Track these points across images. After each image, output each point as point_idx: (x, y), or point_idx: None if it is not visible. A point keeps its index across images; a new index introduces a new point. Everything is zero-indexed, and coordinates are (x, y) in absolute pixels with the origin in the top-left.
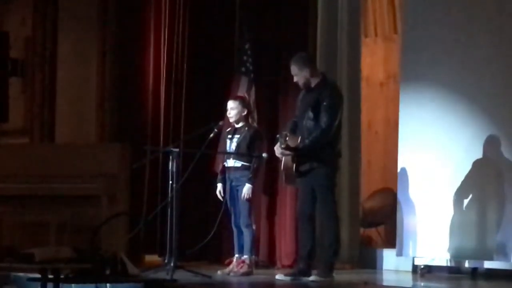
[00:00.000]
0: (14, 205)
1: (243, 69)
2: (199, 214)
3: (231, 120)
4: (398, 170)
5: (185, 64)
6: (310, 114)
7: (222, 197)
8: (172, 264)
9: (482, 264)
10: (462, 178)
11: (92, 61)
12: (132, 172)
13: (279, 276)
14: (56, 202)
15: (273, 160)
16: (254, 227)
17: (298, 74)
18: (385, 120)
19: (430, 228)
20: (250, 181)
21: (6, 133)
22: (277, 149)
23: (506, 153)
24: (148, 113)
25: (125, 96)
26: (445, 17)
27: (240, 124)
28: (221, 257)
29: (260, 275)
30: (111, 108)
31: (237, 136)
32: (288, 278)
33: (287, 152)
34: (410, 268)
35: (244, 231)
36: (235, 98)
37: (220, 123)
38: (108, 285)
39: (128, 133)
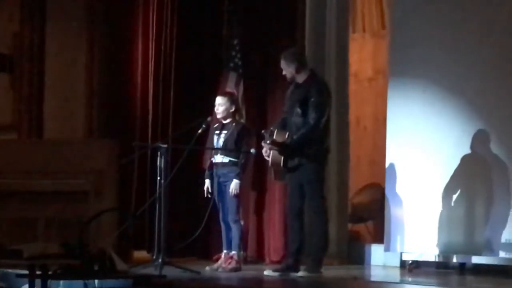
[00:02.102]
0: (1, 201)
1: (231, 64)
2: (187, 210)
3: (218, 116)
4: (387, 165)
5: (173, 60)
6: (298, 110)
7: (210, 193)
8: (160, 260)
9: (470, 259)
10: (450, 173)
11: (80, 57)
12: (121, 168)
13: (267, 272)
14: (44, 198)
15: (261, 156)
16: (242, 222)
17: (286, 69)
18: (374, 116)
19: (418, 224)
20: (238, 176)
21: None
22: (265, 145)
23: (494, 149)
24: (137, 109)
25: (113, 92)
26: (433, 13)
27: (228, 120)
28: (209, 253)
29: (249, 271)
30: (99, 104)
31: (224, 132)
32: (276, 274)
33: (274, 147)
34: (398, 264)
35: (232, 227)
36: (224, 94)
37: (208, 119)
38: (96, 281)
39: (117, 129)
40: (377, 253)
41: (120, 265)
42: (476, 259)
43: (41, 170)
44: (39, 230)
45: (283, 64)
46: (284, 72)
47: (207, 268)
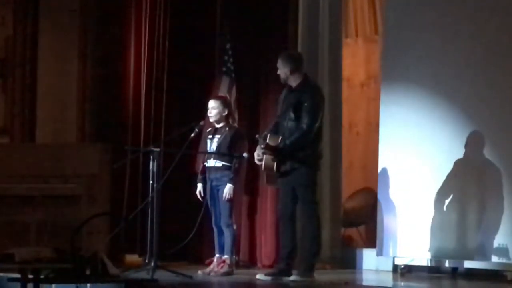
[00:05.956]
0: None
1: (224, 69)
2: (179, 214)
3: (211, 120)
4: (379, 170)
5: (165, 64)
6: (291, 115)
7: (202, 197)
8: (152, 264)
9: (462, 264)
10: (443, 178)
11: (73, 61)
12: (113, 172)
13: (259, 276)
14: (36, 202)
15: (254, 160)
16: (235, 227)
17: (281, 69)
18: (366, 121)
19: (410, 228)
20: (231, 181)
21: None
22: (258, 151)
23: (486, 153)
24: (129, 112)
25: (105, 95)
26: (425, 18)
27: (221, 124)
28: (201, 257)
29: (241, 275)
30: (92, 108)
31: (217, 136)
32: (268, 278)
33: (268, 151)
34: (390, 268)
35: (225, 231)
36: (216, 97)
37: (201, 123)
38: (88, 285)
39: (109, 133)
40: (369, 258)
41: (112, 269)
42: (468, 264)
43: (34, 174)
44: (31, 234)
45: (279, 63)
46: (278, 72)
47: (199, 272)
